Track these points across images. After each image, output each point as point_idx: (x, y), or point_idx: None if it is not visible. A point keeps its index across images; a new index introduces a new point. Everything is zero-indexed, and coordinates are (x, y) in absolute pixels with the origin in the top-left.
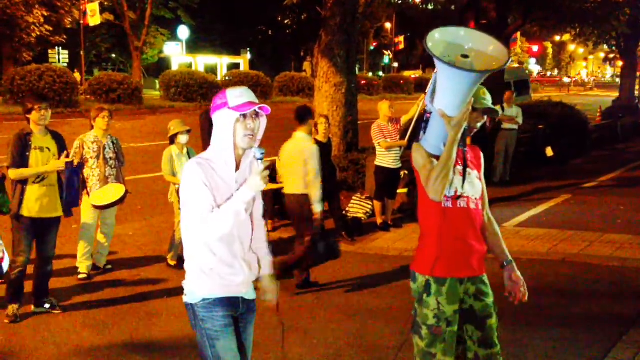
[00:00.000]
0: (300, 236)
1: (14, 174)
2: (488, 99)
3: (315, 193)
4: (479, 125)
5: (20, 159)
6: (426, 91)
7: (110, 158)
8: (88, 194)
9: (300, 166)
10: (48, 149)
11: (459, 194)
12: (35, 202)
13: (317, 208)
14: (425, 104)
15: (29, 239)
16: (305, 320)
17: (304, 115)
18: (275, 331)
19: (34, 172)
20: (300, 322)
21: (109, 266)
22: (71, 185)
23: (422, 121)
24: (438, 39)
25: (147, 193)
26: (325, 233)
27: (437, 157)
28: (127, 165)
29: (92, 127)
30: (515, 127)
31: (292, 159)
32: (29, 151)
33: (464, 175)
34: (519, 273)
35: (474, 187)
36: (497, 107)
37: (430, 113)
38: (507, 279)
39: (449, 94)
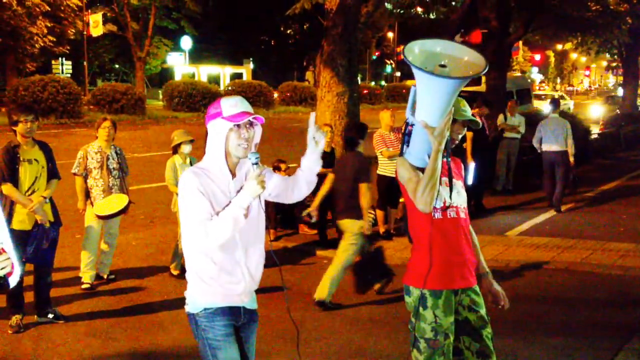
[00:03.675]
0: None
1: (6, 189)
2: (468, 110)
3: (572, 152)
4: (459, 136)
5: (10, 173)
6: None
7: (114, 168)
8: (92, 203)
9: (565, 133)
10: (36, 160)
11: (447, 204)
12: (27, 215)
13: (572, 158)
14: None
15: (22, 251)
16: (307, 330)
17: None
18: (278, 341)
19: (21, 199)
20: (303, 331)
21: (112, 276)
22: (36, 243)
23: (405, 134)
24: (416, 51)
25: (150, 203)
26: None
27: (422, 169)
28: (130, 175)
29: (97, 137)
30: (518, 136)
31: (559, 127)
32: (18, 164)
33: (450, 185)
34: (497, 285)
35: (461, 196)
36: (500, 116)
37: (412, 126)
38: (486, 291)
39: (429, 104)
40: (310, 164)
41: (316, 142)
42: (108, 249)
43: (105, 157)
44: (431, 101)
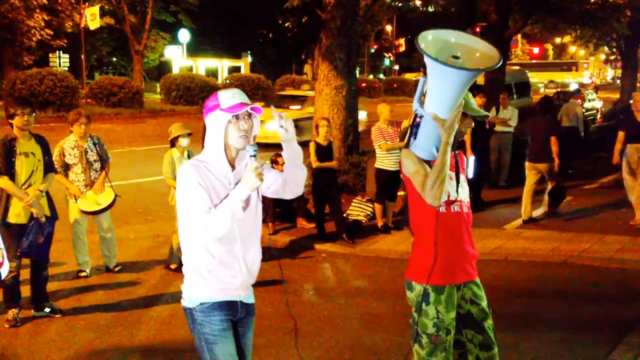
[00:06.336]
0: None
1: (3, 182)
2: (474, 103)
3: (581, 129)
4: (468, 130)
5: (7, 166)
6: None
7: (95, 161)
8: (75, 198)
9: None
10: (33, 154)
11: (452, 198)
12: (23, 209)
13: (582, 133)
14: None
15: (18, 244)
16: (306, 324)
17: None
18: (277, 334)
19: (17, 193)
20: (300, 325)
21: (119, 267)
22: (32, 237)
23: (413, 126)
24: (429, 40)
25: (148, 196)
26: None
27: (429, 162)
28: (128, 168)
29: (71, 132)
30: (510, 130)
31: (573, 109)
32: (14, 157)
33: (457, 179)
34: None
35: (465, 190)
36: (492, 110)
37: (421, 117)
38: None
39: (441, 96)
40: (290, 153)
41: (285, 130)
42: (108, 242)
43: (83, 151)
44: (442, 93)
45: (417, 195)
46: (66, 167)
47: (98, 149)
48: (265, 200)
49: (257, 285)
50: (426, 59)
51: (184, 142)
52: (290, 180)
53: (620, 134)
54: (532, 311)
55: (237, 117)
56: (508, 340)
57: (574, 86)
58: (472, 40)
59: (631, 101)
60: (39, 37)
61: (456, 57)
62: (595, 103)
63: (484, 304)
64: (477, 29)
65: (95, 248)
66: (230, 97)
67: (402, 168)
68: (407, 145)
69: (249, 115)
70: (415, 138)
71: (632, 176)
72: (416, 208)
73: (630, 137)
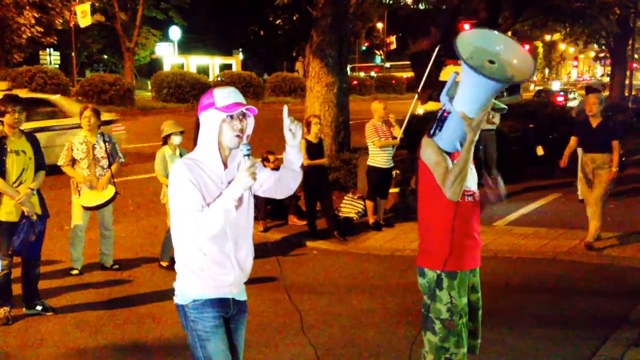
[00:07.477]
0: None
1: None
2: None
3: None
4: (489, 126)
5: None
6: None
7: (102, 157)
8: (78, 193)
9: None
10: (24, 151)
11: (470, 191)
12: (14, 207)
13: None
14: (439, 103)
15: (9, 243)
16: (297, 321)
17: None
18: (269, 331)
19: (8, 191)
20: (291, 322)
21: (117, 266)
22: (23, 235)
23: (439, 119)
24: (468, 40)
25: (139, 194)
26: None
27: (449, 154)
28: (120, 166)
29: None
30: (492, 127)
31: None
32: (5, 155)
33: (479, 174)
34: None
35: (475, 180)
36: None
37: (449, 112)
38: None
39: (472, 97)
40: (291, 157)
41: (293, 134)
42: (106, 240)
43: (91, 146)
44: (473, 95)
45: (432, 184)
46: (73, 162)
47: (108, 146)
48: (256, 197)
49: (249, 282)
50: (462, 62)
51: (176, 139)
52: (284, 182)
53: (573, 140)
54: (521, 307)
55: (231, 116)
56: (497, 336)
57: (556, 85)
58: (511, 46)
59: (584, 105)
60: (29, 35)
61: (492, 62)
62: (574, 103)
63: (480, 293)
64: (469, 26)
65: (90, 247)
66: (226, 96)
67: (422, 156)
68: (430, 135)
69: (244, 115)
70: (440, 130)
71: (589, 188)
72: (430, 197)
73: (585, 146)
